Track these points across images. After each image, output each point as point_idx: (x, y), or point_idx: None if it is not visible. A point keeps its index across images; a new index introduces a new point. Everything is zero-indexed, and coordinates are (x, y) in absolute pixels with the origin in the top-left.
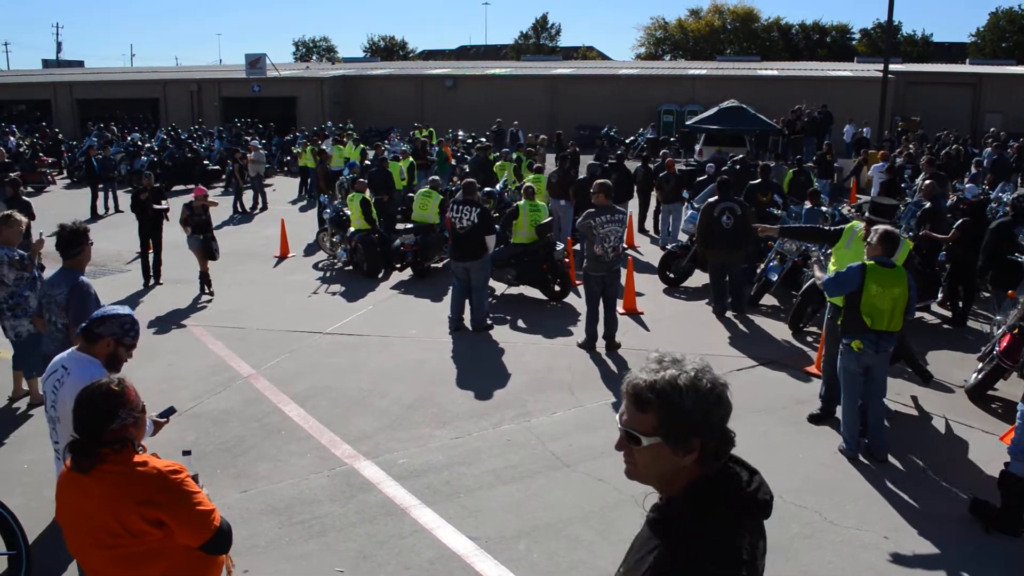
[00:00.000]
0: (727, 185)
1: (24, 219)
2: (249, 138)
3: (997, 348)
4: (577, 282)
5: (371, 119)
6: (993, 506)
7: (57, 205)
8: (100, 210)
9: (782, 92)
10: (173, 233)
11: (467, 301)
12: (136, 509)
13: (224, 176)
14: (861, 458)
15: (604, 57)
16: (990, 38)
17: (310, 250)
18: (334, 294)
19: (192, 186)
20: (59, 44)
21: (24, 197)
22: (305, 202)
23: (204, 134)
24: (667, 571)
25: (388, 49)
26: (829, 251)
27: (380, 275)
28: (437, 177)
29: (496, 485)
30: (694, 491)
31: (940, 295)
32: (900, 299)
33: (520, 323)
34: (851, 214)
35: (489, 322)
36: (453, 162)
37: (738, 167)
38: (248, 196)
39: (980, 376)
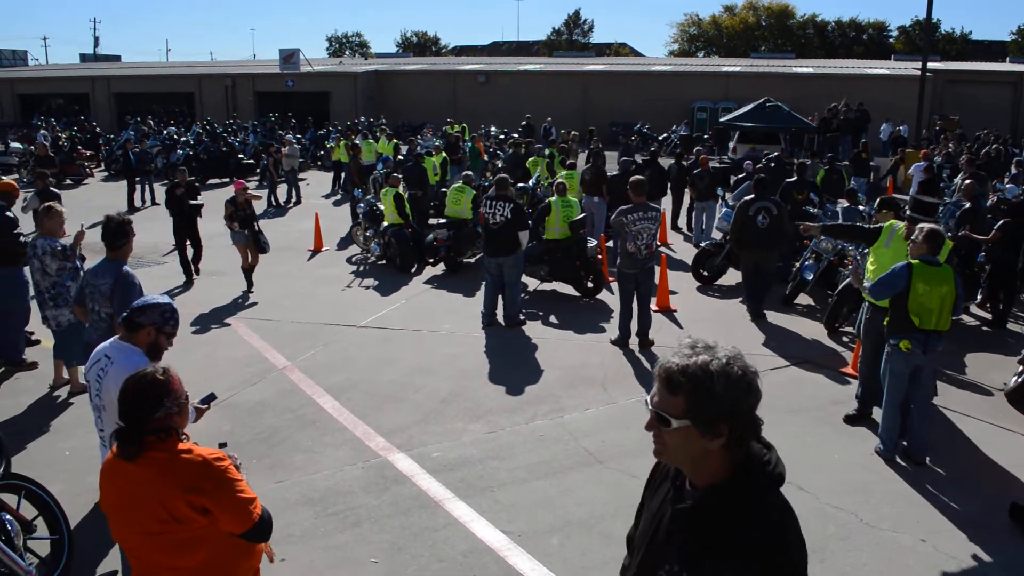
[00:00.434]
0: (764, 184)
1: (64, 210)
2: (283, 132)
3: None
4: (610, 279)
5: (403, 114)
6: None
7: (95, 198)
8: (137, 203)
9: (817, 90)
10: (208, 226)
11: (500, 296)
12: (182, 496)
13: (258, 170)
14: (898, 460)
15: (637, 54)
16: None
17: (343, 244)
18: (367, 288)
19: (227, 180)
20: (96, 39)
21: (53, 189)
22: (338, 196)
23: (239, 128)
24: (726, 556)
25: (420, 44)
26: (866, 251)
27: (413, 270)
28: (470, 172)
29: (529, 480)
30: (732, 481)
31: (979, 296)
32: (948, 298)
33: (553, 319)
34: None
35: (522, 318)
36: (485, 157)
37: (773, 165)
38: (282, 190)
39: (1020, 380)
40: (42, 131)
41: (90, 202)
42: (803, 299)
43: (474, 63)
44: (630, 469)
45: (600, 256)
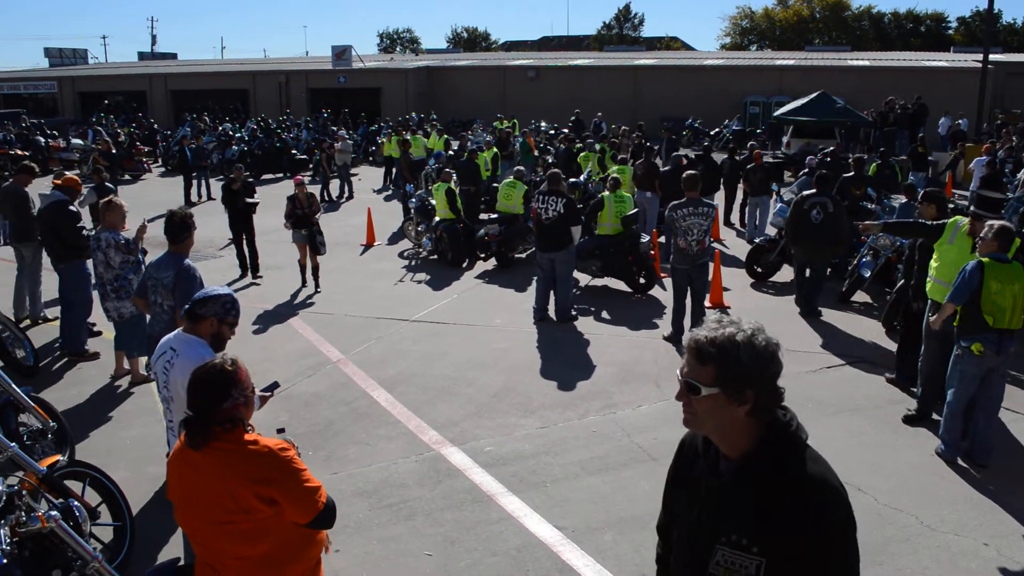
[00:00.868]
0: (825, 180)
1: (125, 204)
2: (336, 128)
3: None
4: (663, 275)
5: (454, 110)
6: None
7: (152, 193)
8: (193, 197)
9: (874, 83)
10: (265, 221)
11: (551, 292)
12: (249, 487)
13: (311, 166)
14: (960, 462)
15: (688, 48)
16: None
17: (394, 239)
18: (419, 282)
19: (281, 176)
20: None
21: (108, 184)
22: (389, 191)
23: (292, 124)
24: (788, 504)
25: (471, 40)
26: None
27: (464, 264)
28: (522, 167)
29: (582, 476)
30: (764, 443)
31: None
32: (1020, 295)
33: (604, 315)
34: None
35: (573, 313)
36: (536, 153)
37: (829, 160)
38: (335, 185)
39: None
40: (94, 128)
41: (147, 197)
42: (860, 296)
43: (524, 58)
44: None
45: (652, 252)
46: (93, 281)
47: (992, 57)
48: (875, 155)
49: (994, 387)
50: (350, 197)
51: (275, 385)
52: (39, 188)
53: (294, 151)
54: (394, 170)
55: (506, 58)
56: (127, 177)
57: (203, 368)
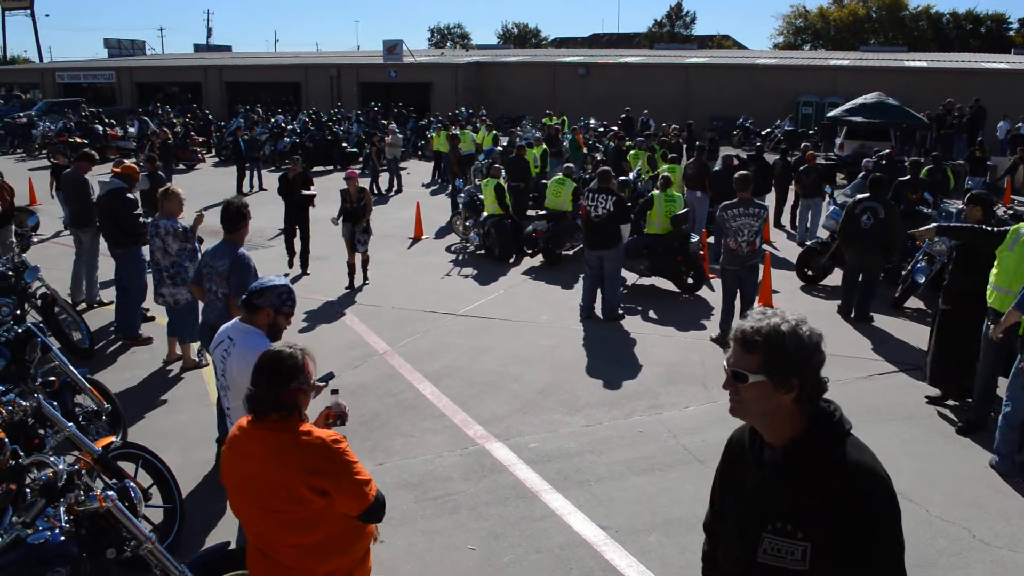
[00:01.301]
0: (878, 184)
1: (182, 192)
2: (386, 122)
3: None
4: (711, 275)
5: (503, 105)
6: None
7: (206, 182)
8: (245, 188)
9: (931, 85)
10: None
11: (599, 290)
12: (302, 477)
13: (361, 159)
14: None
15: (740, 46)
16: None
17: (442, 233)
18: (466, 277)
19: (332, 168)
20: (209, 29)
21: (161, 172)
22: (437, 186)
23: (343, 117)
24: (831, 489)
25: (521, 36)
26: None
27: (511, 260)
28: (571, 165)
29: (627, 476)
30: (809, 431)
31: None
32: None
33: (651, 314)
34: (1006, 215)
35: (620, 312)
36: (585, 150)
37: (884, 163)
38: (384, 178)
39: None
40: (141, 118)
41: (201, 186)
42: (914, 303)
43: (574, 55)
44: None
45: (702, 252)
46: (148, 267)
47: None
48: (929, 159)
49: None
50: (399, 190)
51: (330, 375)
52: (98, 175)
53: (345, 144)
54: (443, 164)
55: (556, 55)
56: (181, 166)
57: (273, 350)
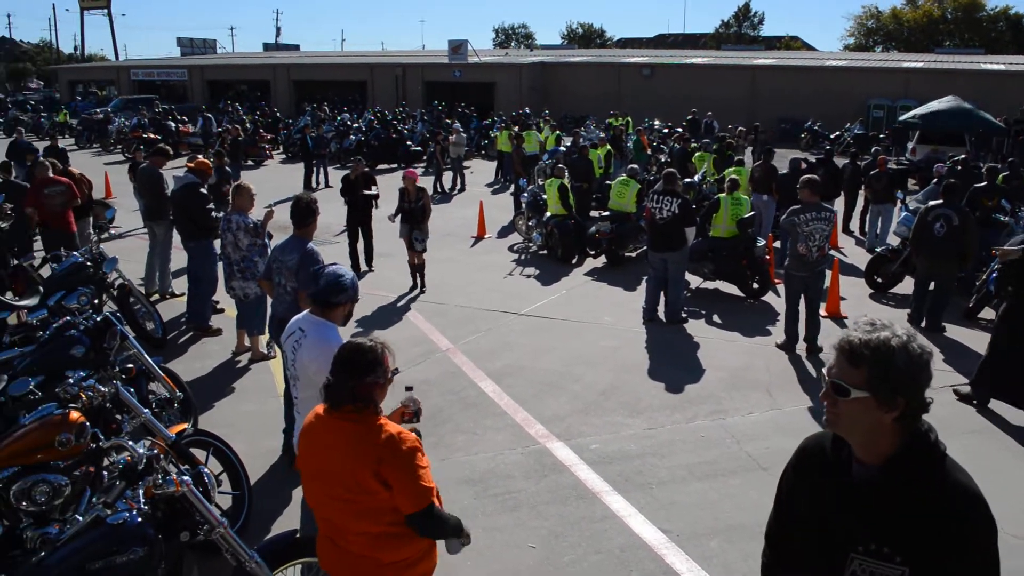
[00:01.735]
0: (952, 190)
1: (253, 187)
2: (450, 121)
3: None
4: (777, 280)
5: (567, 106)
6: None
7: (274, 178)
8: (312, 184)
9: (1009, 88)
10: (381, 212)
11: (662, 292)
12: (371, 467)
13: (425, 157)
14: None
15: (809, 48)
16: None
17: (504, 232)
18: (528, 276)
19: (396, 166)
20: (278, 29)
21: (228, 168)
22: (499, 185)
23: (407, 116)
24: (931, 513)
25: (585, 36)
26: None
27: (574, 261)
28: (636, 166)
29: (689, 480)
30: (908, 452)
31: None
32: None
33: (715, 318)
34: None
35: (684, 315)
36: (649, 151)
37: (960, 168)
38: (448, 177)
39: None
40: (205, 116)
41: (269, 182)
42: (988, 313)
43: (639, 55)
44: None
45: (768, 257)
46: (220, 260)
47: None
48: (1005, 165)
49: None
50: (462, 189)
51: (395, 371)
52: (172, 171)
53: (409, 142)
54: (505, 164)
55: (621, 55)
56: (250, 163)
57: (355, 342)
